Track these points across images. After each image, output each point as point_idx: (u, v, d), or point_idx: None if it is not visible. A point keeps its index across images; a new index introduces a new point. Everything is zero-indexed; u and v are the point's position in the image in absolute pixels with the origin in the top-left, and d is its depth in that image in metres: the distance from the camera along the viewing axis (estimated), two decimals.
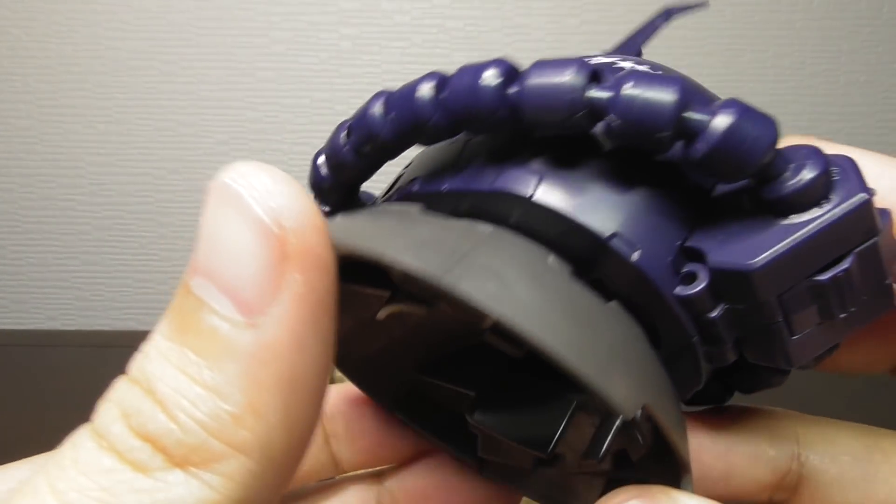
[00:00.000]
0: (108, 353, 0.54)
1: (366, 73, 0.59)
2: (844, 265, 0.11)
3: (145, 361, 0.09)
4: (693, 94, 0.12)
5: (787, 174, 0.12)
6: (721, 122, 0.11)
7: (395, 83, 0.58)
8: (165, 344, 0.09)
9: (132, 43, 0.59)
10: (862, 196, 0.12)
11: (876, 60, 0.60)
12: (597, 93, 0.12)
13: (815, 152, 0.12)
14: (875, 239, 0.12)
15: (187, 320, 0.09)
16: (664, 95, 0.11)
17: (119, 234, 0.61)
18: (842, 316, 0.12)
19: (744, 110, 0.12)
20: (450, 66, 0.55)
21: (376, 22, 0.59)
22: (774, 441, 0.15)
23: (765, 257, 0.11)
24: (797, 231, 0.11)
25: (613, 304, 0.12)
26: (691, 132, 0.11)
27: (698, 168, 0.12)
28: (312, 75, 0.59)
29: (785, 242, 0.11)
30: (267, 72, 0.59)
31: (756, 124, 0.11)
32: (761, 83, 0.60)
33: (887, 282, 0.12)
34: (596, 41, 0.59)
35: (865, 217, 0.12)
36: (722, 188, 0.13)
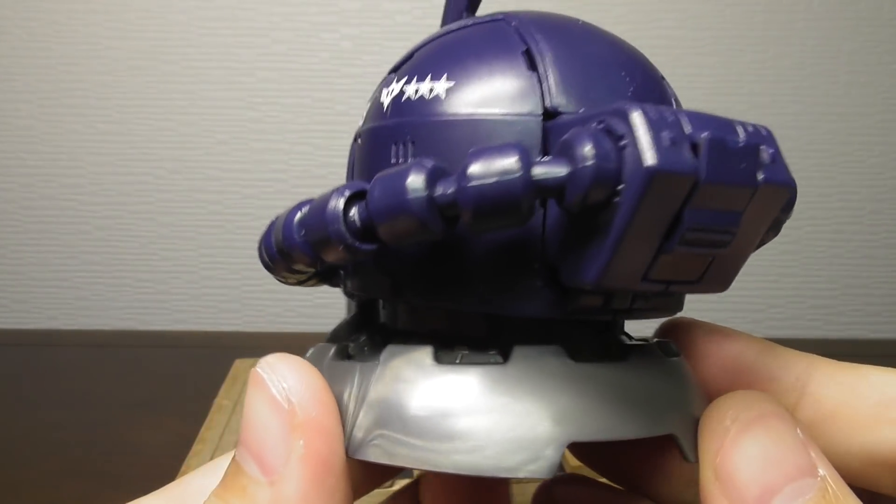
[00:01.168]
0: (108, 353, 0.54)
1: (366, 73, 0.59)
2: (684, 225, 0.11)
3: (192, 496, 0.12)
4: (438, 171, 0.11)
5: (567, 180, 0.10)
6: (471, 174, 0.10)
7: None
8: (214, 497, 0.11)
9: (132, 43, 0.59)
10: (647, 170, 0.10)
11: (876, 60, 0.60)
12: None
13: (582, 136, 0.10)
14: (695, 188, 0.10)
15: (230, 481, 0.11)
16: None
17: (119, 234, 0.61)
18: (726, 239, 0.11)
19: (479, 154, 0.10)
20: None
21: (377, 22, 0.59)
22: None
23: (595, 271, 0.11)
24: (608, 234, 0.11)
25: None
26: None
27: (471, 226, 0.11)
28: (313, 75, 0.59)
29: (605, 247, 0.11)
30: (267, 72, 0.59)
31: (495, 163, 0.10)
32: (761, 83, 0.60)
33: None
34: None
35: (667, 184, 0.10)
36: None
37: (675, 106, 0.14)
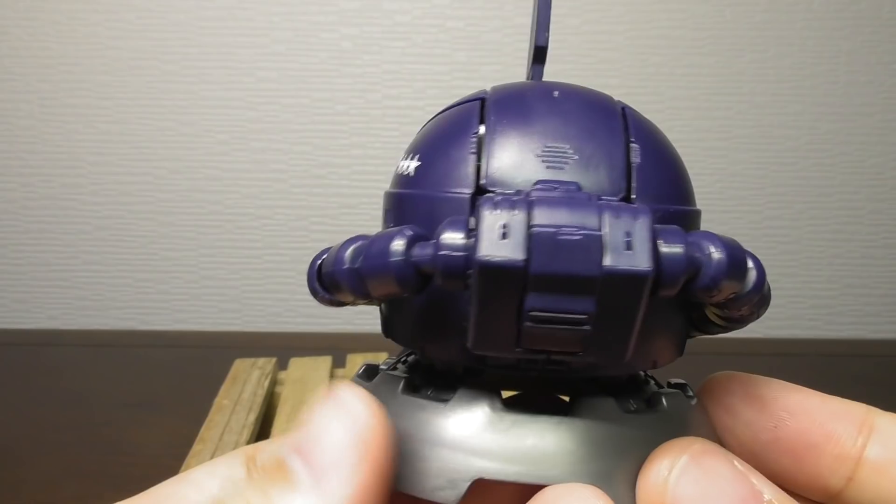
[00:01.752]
0: (108, 353, 0.54)
1: (366, 73, 0.59)
2: (525, 307, 0.12)
3: (230, 497, 0.12)
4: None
5: None
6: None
7: (395, 83, 0.59)
8: (251, 488, 0.12)
9: (133, 43, 0.59)
10: (476, 261, 0.12)
11: (876, 60, 0.60)
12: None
13: (443, 226, 0.13)
14: (526, 277, 0.12)
15: (271, 474, 0.12)
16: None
17: (119, 234, 0.61)
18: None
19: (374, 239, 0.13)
20: (450, 66, 0.55)
21: (377, 22, 0.59)
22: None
23: (469, 339, 0.13)
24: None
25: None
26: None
27: None
28: (312, 75, 0.59)
29: (470, 322, 0.13)
30: (267, 71, 0.59)
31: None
32: (761, 83, 0.60)
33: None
34: (596, 41, 0.59)
35: (496, 273, 0.12)
36: None
37: (638, 156, 0.14)
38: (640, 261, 0.11)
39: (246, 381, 0.40)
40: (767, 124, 0.61)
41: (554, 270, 0.12)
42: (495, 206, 0.12)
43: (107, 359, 0.53)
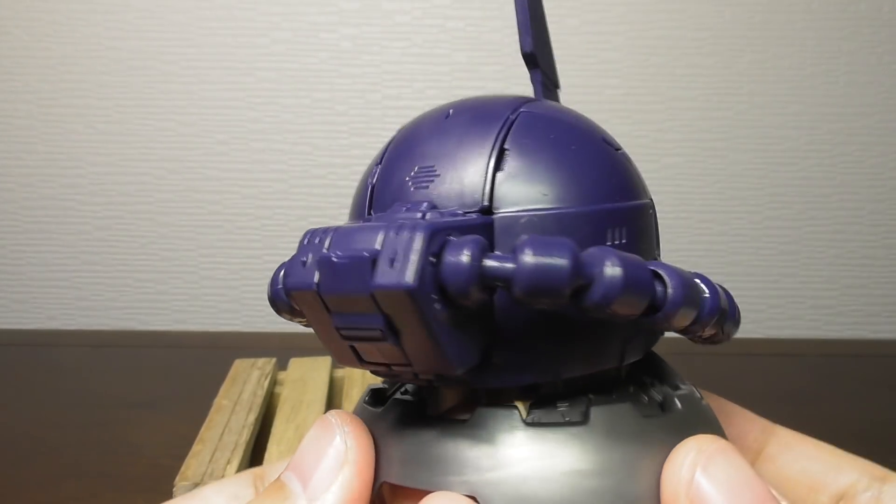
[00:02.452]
0: (108, 353, 0.54)
1: (366, 73, 0.59)
2: (332, 325, 0.14)
3: None
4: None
5: None
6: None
7: (396, 83, 0.59)
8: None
9: (132, 43, 0.59)
10: (285, 285, 0.14)
11: (876, 61, 0.60)
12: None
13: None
14: (321, 298, 0.13)
15: (273, 493, 0.13)
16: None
17: (119, 234, 0.61)
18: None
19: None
20: (450, 66, 0.55)
21: (376, 22, 0.59)
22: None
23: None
24: None
25: None
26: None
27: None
28: (312, 75, 0.59)
29: None
30: (267, 72, 0.59)
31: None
32: (761, 84, 0.60)
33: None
34: (596, 41, 0.59)
35: (301, 296, 0.13)
36: None
37: (507, 165, 0.15)
38: (402, 276, 0.12)
39: (246, 381, 0.40)
40: (767, 124, 0.61)
41: (335, 291, 0.13)
42: (311, 235, 0.13)
43: (106, 359, 0.53)
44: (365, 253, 0.12)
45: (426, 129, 0.16)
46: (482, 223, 0.14)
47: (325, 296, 0.13)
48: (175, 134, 0.60)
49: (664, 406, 0.15)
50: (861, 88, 0.61)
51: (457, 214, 0.14)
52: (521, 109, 0.15)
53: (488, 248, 0.12)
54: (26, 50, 0.59)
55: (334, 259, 0.12)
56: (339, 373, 0.41)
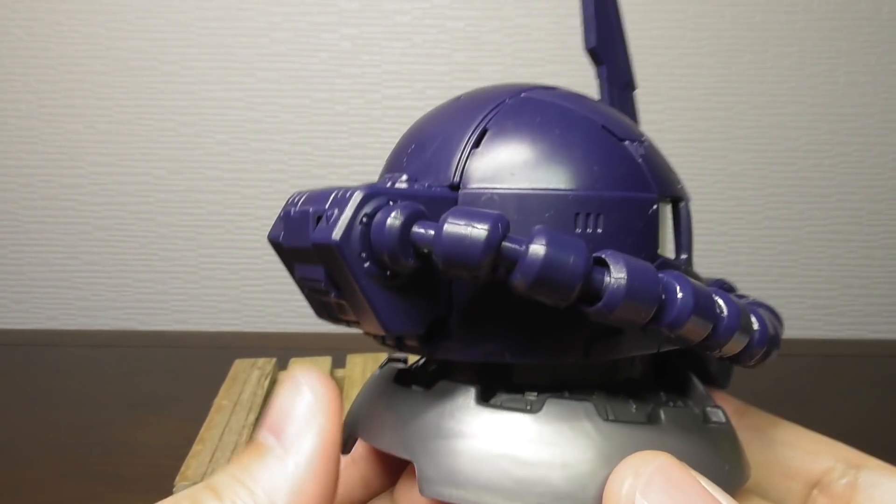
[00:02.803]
0: (108, 353, 0.54)
1: (366, 73, 0.59)
2: (296, 276, 0.15)
3: (216, 476, 0.14)
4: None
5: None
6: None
7: (395, 83, 0.59)
8: (233, 466, 0.14)
9: (132, 43, 0.59)
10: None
11: (876, 61, 0.60)
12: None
13: None
14: (281, 249, 0.15)
15: (250, 452, 0.14)
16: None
17: (119, 234, 0.61)
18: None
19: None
20: (450, 66, 0.55)
21: (376, 22, 0.59)
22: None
23: None
24: None
25: None
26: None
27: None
28: (312, 75, 0.59)
29: None
30: (267, 72, 0.59)
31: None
32: (761, 84, 0.60)
33: None
34: None
35: (275, 247, 0.15)
36: None
37: (483, 144, 0.15)
38: (330, 232, 0.13)
39: (246, 381, 0.40)
40: (767, 124, 0.61)
41: (290, 243, 0.14)
42: (297, 195, 0.14)
43: (106, 359, 0.53)
44: (311, 209, 0.13)
45: (436, 111, 0.17)
46: (444, 196, 0.14)
47: (285, 247, 0.14)
48: (175, 134, 0.60)
49: (651, 417, 0.14)
50: (861, 88, 0.61)
51: (430, 187, 0.14)
52: (522, 94, 0.15)
53: (424, 217, 0.13)
54: (26, 50, 0.59)
55: (291, 214, 0.14)
56: (339, 373, 0.41)
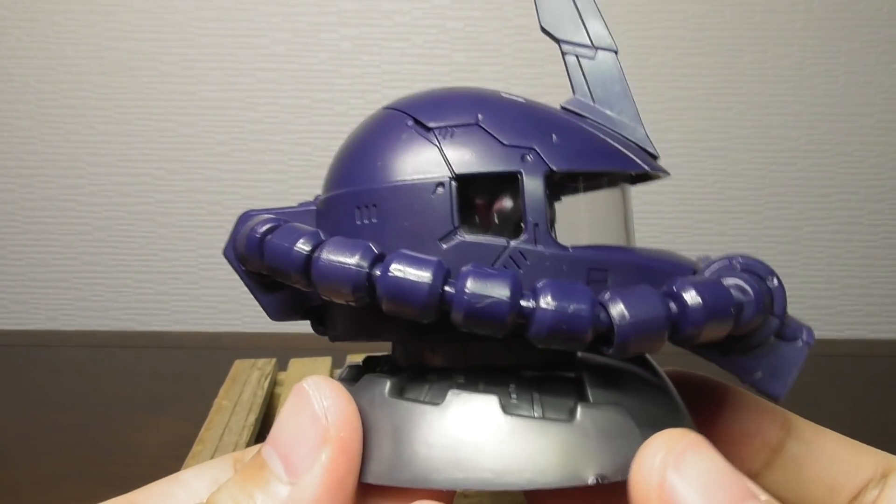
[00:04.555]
0: (108, 353, 0.54)
1: (366, 74, 0.59)
2: None
3: (217, 493, 0.13)
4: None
5: None
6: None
7: (395, 83, 0.59)
8: (234, 486, 0.13)
9: (132, 43, 0.59)
10: None
11: (876, 60, 0.60)
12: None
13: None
14: None
15: (252, 473, 0.13)
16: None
17: (119, 234, 0.61)
18: None
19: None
20: (449, 67, 0.55)
21: (376, 22, 0.59)
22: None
23: None
24: None
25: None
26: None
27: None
28: (312, 76, 0.59)
29: None
30: (267, 72, 0.59)
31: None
32: (761, 84, 0.60)
33: None
34: None
35: None
36: None
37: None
38: (225, 246, 0.18)
39: (246, 381, 0.40)
40: (767, 125, 0.61)
41: None
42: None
43: (106, 360, 0.53)
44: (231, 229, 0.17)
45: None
46: (310, 210, 0.18)
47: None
48: (175, 134, 0.60)
49: (571, 411, 0.14)
50: (861, 88, 0.61)
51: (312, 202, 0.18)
52: (381, 106, 0.17)
53: (274, 229, 0.16)
54: (25, 51, 0.59)
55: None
56: (339, 373, 0.41)
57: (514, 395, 0.14)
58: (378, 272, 0.13)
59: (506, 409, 0.14)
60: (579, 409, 0.14)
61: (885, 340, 0.63)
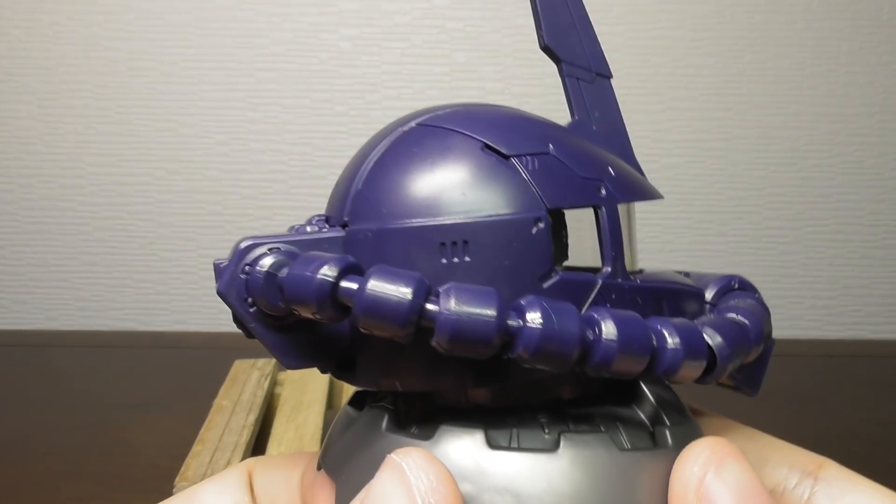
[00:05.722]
0: (108, 353, 0.54)
1: (366, 74, 0.59)
2: None
3: None
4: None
5: None
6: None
7: (395, 83, 0.59)
8: None
9: (132, 43, 0.59)
10: None
11: (876, 61, 0.60)
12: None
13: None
14: None
15: None
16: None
17: (119, 235, 0.61)
18: None
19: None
20: (449, 67, 0.55)
21: (376, 22, 0.59)
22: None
23: None
24: None
25: None
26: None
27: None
28: (312, 76, 0.59)
29: None
30: (267, 72, 0.59)
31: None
32: (761, 84, 0.60)
33: None
34: None
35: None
36: None
37: (361, 183, 0.16)
38: (218, 283, 0.14)
39: (245, 381, 0.40)
40: (767, 125, 0.61)
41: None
42: None
43: (106, 360, 0.53)
44: (214, 262, 0.14)
45: (361, 147, 0.17)
46: (333, 237, 0.15)
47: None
48: (175, 134, 0.60)
49: (656, 439, 0.15)
50: (861, 88, 0.61)
51: (330, 229, 0.15)
52: (413, 122, 0.16)
53: (287, 263, 0.14)
54: (26, 51, 0.59)
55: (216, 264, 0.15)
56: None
57: (623, 434, 0.14)
58: (433, 306, 0.12)
59: (619, 445, 0.14)
60: (667, 433, 0.14)
61: (885, 340, 0.63)
